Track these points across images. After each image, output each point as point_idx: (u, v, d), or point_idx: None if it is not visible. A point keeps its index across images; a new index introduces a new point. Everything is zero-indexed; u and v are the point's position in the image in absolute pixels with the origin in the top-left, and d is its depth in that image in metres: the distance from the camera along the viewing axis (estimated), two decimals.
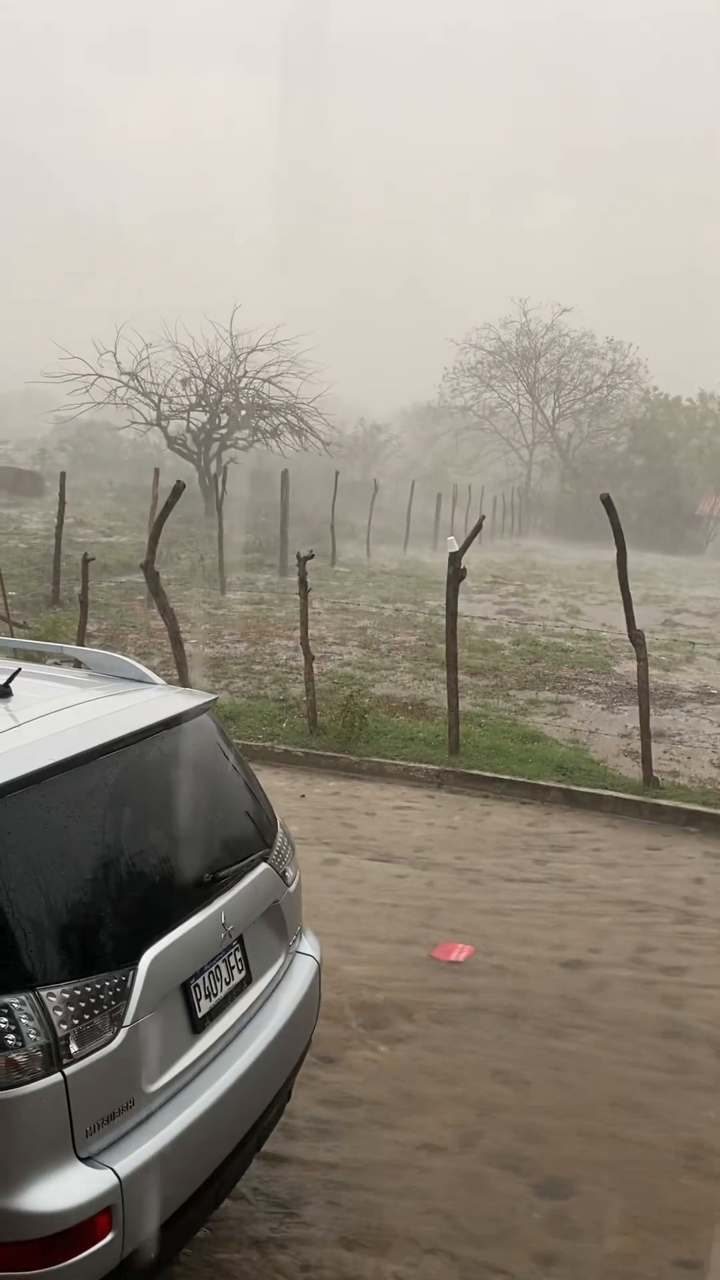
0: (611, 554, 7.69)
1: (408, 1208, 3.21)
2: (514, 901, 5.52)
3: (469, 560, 8.23)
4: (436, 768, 7.69)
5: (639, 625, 7.58)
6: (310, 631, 9.09)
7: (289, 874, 3.15)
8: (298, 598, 9.19)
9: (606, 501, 7.04)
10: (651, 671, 11.24)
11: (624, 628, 7.76)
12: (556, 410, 51.86)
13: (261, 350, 29.71)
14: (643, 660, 7.45)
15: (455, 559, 7.84)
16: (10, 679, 2.73)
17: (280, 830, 3.20)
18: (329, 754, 7.89)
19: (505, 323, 50.66)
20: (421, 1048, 4.09)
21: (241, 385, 30.06)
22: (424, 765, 7.74)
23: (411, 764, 7.77)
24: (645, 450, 47.21)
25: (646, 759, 7.37)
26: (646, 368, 50.55)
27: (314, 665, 8.62)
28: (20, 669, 2.83)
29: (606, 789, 7.28)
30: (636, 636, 7.42)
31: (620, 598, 7.56)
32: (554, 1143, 3.54)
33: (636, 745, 7.93)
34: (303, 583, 8.81)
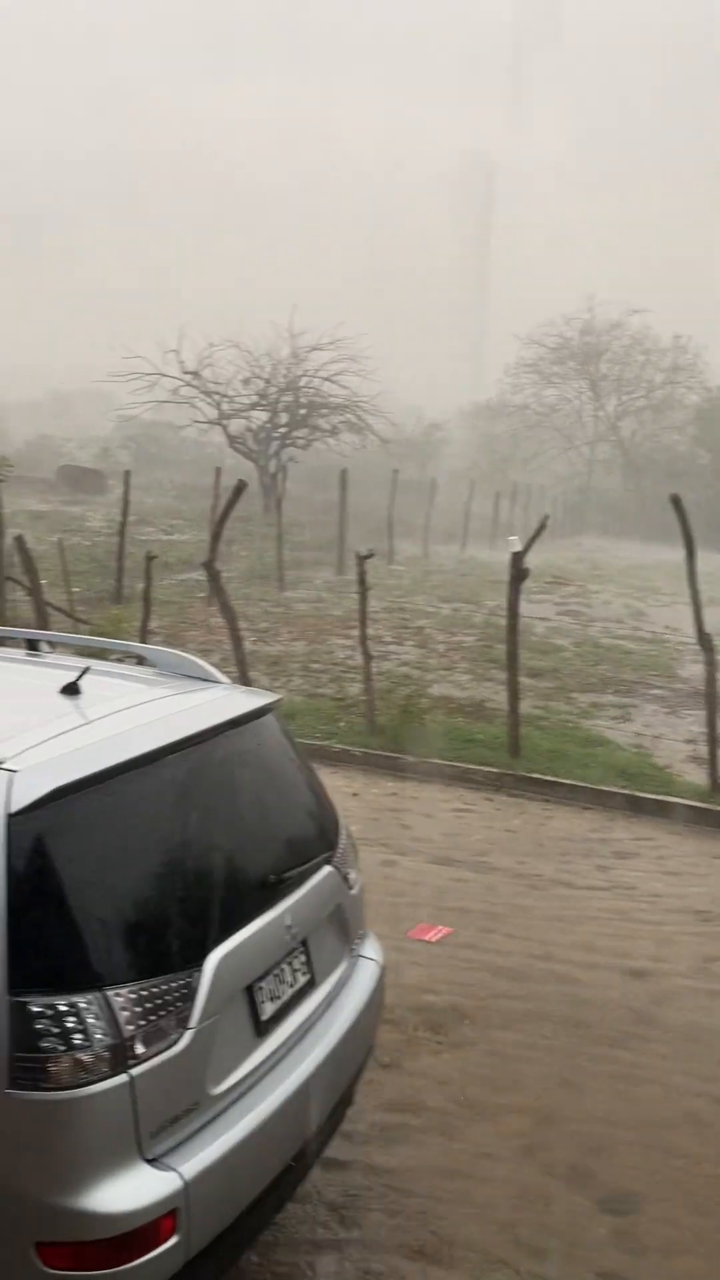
0: (675, 554, 7.55)
1: (467, 1216, 3.16)
2: (575, 908, 5.44)
3: (528, 560, 8.14)
4: (496, 770, 7.61)
5: (707, 628, 7.44)
6: (368, 631, 9.07)
7: (351, 876, 3.12)
8: (355, 596, 9.17)
9: (676, 501, 6.91)
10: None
11: (689, 630, 7.62)
12: (618, 407, 51.23)
13: (321, 349, 29.78)
14: (711, 664, 7.30)
15: (518, 559, 7.76)
16: (80, 677, 2.74)
17: (343, 832, 3.18)
18: (387, 754, 7.86)
19: (569, 319, 50.16)
20: (483, 1053, 4.04)
21: (301, 384, 30.16)
22: (483, 768, 7.67)
23: (471, 766, 7.70)
24: (710, 448, 46.41)
25: (714, 765, 7.22)
26: (708, 363, 49.66)
27: (371, 664, 8.60)
28: (89, 667, 2.84)
29: (671, 795, 7.14)
30: (705, 639, 7.27)
31: (688, 600, 7.42)
32: (619, 1156, 3.47)
33: (703, 751, 7.76)
34: (361, 581, 8.79)
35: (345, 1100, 3.01)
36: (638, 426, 50.44)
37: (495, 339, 53.17)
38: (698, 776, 7.52)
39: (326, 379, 29.92)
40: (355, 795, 7.08)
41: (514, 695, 7.99)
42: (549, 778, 7.48)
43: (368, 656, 8.54)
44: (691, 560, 7.16)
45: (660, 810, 6.97)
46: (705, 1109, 3.77)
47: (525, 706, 9.12)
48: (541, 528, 8.23)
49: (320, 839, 3.03)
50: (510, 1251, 3.03)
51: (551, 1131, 3.58)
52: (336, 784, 7.18)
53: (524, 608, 16.71)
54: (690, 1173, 3.41)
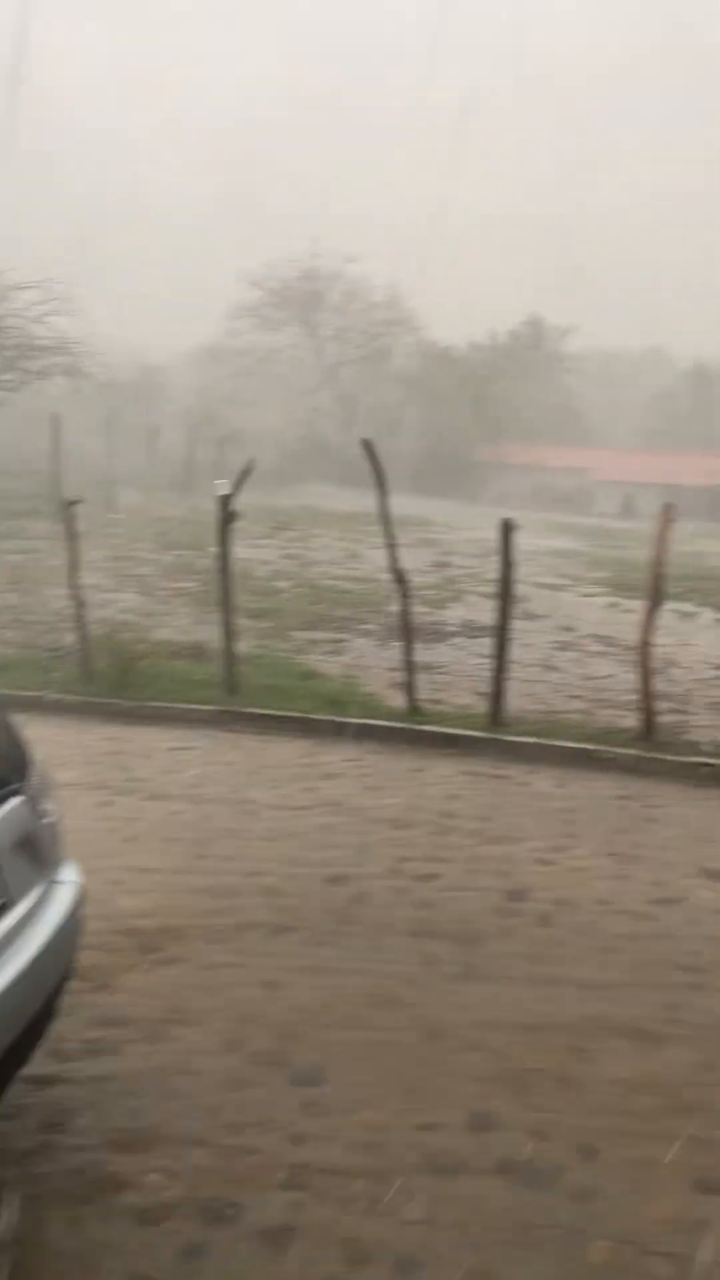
0: (390, 499, 8.04)
1: (174, 1108, 3.42)
2: (284, 828, 5.80)
3: (252, 506, 8.39)
4: (214, 709, 7.86)
5: (413, 567, 7.98)
6: (88, 579, 9.00)
7: (45, 807, 3.24)
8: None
9: (368, 446, 7.33)
10: (421, 609, 11.81)
11: (401, 569, 8.14)
12: (338, 356, 52.26)
13: (24, 288, 28.28)
14: (406, 597, 7.85)
15: (225, 502, 7.95)
16: None
17: (35, 766, 3.28)
18: (105, 700, 7.90)
19: (289, 262, 50.31)
20: (192, 967, 4.30)
21: (6, 324, 28.57)
22: (202, 707, 7.89)
23: (190, 706, 7.90)
24: (420, 400, 48.46)
25: (411, 688, 7.81)
26: (424, 315, 51.63)
27: (87, 612, 8.56)
28: None
29: (375, 719, 7.67)
30: (399, 574, 7.80)
31: (397, 541, 7.90)
32: (312, 1038, 3.83)
33: (404, 677, 8.36)
34: (70, 529, 8.69)
35: (46, 1014, 3.15)
36: (356, 376, 51.71)
37: (221, 281, 52.48)
38: (399, 700, 8.10)
39: (33, 320, 28.53)
40: (71, 744, 7.09)
41: (229, 635, 8.23)
42: (265, 711, 7.81)
43: (80, 604, 8.48)
44: (384, 501, 7.63)
45: (365, 733, 7.48)
46: (393, 987, 4.21)
47: (245, 646, 9.40)
48: (247, 471, 8.45)
49: (10, 773, 3.12)
50: (211, 1131, 3.32)
51: (252, 1026, 3.90)
52: (50, 734, 7.12)
53: (247, 552, 17.00)
54: (374, 1043, 3.83)
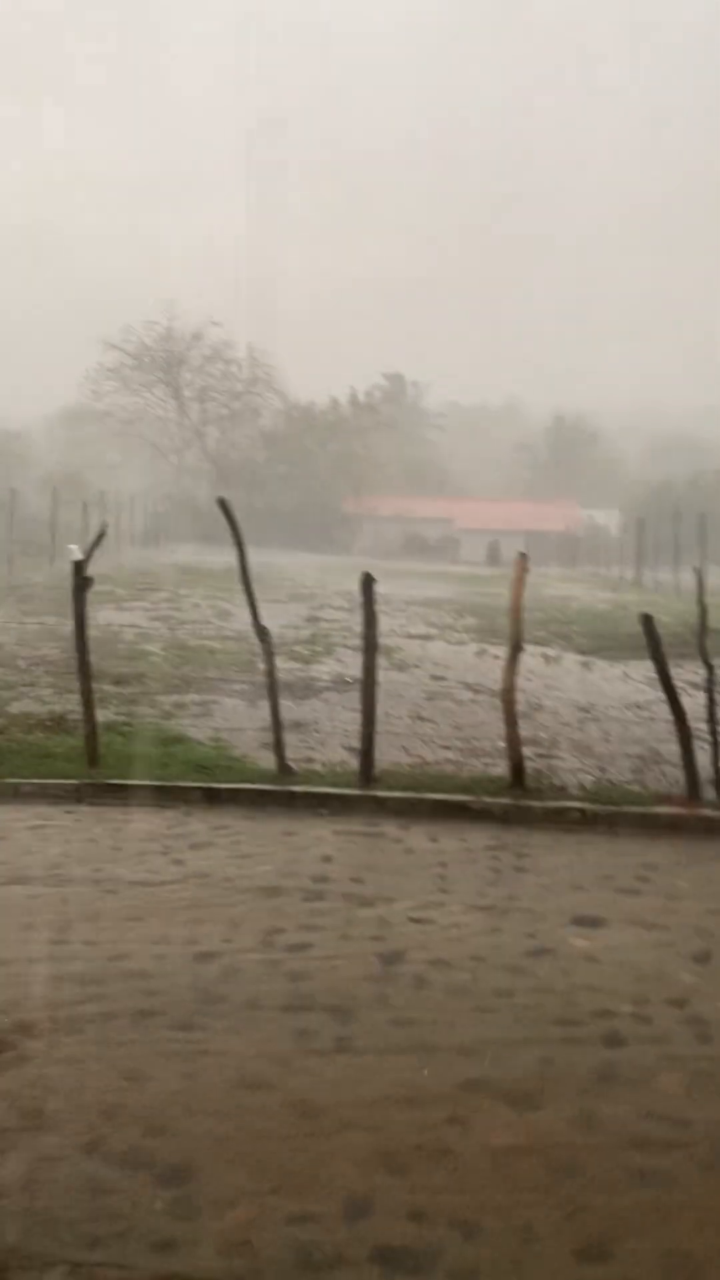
0: (262, 557, 7.96)
1: (27, 1225, 3.15)
2: (150, 904, 5.55)
3: (119, 568, 8.17)
4: (75, 782, 7.55)
5: (284, 621, 7.90)
6: None
7: None
8: None
9: (223, 504, 7.25)
10: (292, 664, 11.75)
11: (274, 627, 8.04)
12: (203, 416, 52.38)
13: None
14: (270, 654, 7.75)
15: (79, 567, 7.73)
16: None
17: None
18: None
19: (147, 324, 50.37)
20: (48, 1063, 4.02)
21: None
22: (62, 781, 7.56)
23: (49, 781, 7.57)
24: (285, 457, 48.93)
25: (279, 748, 7.68)
26: (283, 375, 52.32)
27: None
28: None
29: (245, 782, 7.50)
30: (262, 631, 7.70)
31: (270, 598, 7.82)
32: (177, 1131, 3.61)
33: (272, 737, 8.22)
34: None
35: None
36: (221, 435, 51.92)
37: (78, 344, 52.12)
38: (270, 762, 7.95)
39: None
40: None
41: (89, 704, 7.95)
42: (129, 782, 7.54)
43: None
44: (243, 558, 7.55)
45: (234, 798, 7.29)
46: (263, 1068, 4.02)
47: (109, 714, 9.13)
48: (101, 536, 8.25)
49: None
50: (68, 1248, 3.07)
51: (114, 1124, 3.65)
52: None
53: (114, 616, 16.66)
54: (244, 1130, 3.64)
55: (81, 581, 7.74)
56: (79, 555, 7.76)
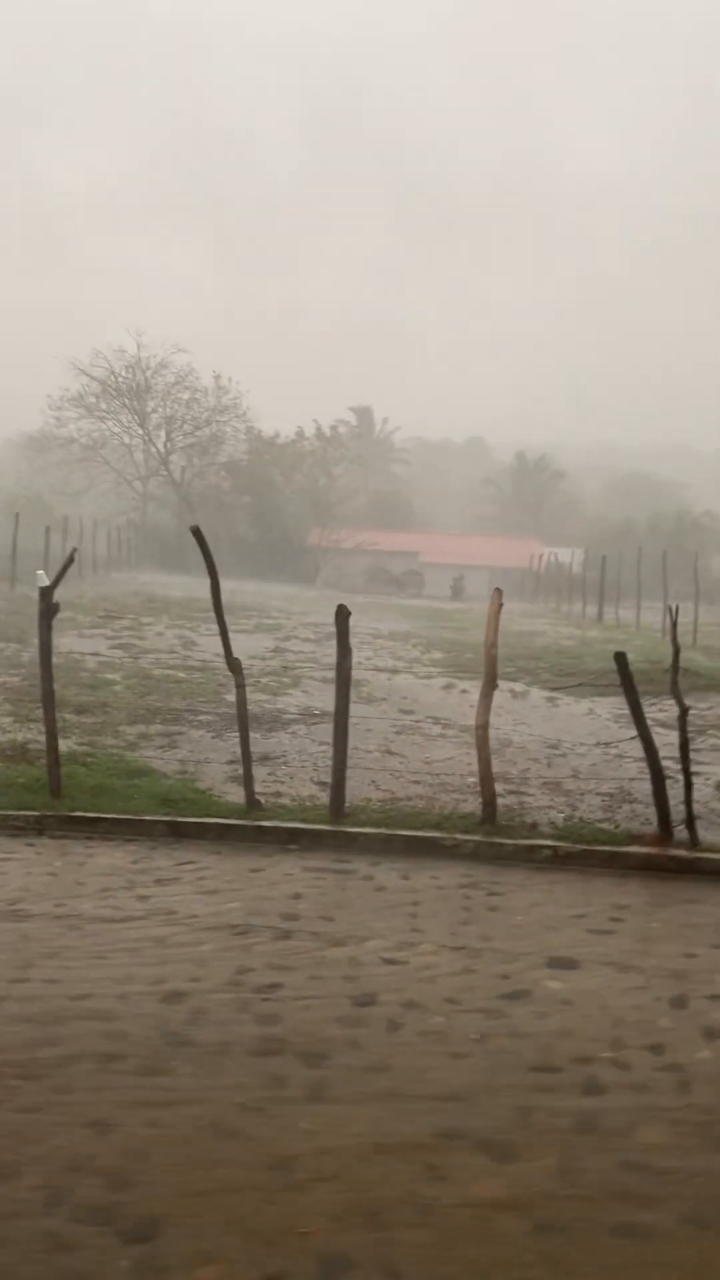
0: (225, 584, 7.86)
1: None
2: (114, 942, 5.39)
3: (82, 595, 8.03)
4: (36, 813, 7.36)
5: (251, 653, 7.79)
6: None
7: None
8: None
9: (196, 533, 7.16)
10: (260, 696, 11.62)
11: (241, 658, 7.92)
12: (168, 445, 52.31)
13: None
14: (241, 686, 7.63)
15: (47, 594, 7.58)
16: None
17: None
18: None
19: (117, 352, 50.35)
20: (8, 1111, 3.86)
21: None
22: (23, 812, 7.37)
23: (9, 812, 7.37)
24: (250, 487, 48.96)
25: (249, 782, 7.55)
26: (249, 406, 52.47)
27: None
28: None
29: (211, 816, 7.35)
30: (234, 664, 7.60)
31: (235, 628, 7.71)
32: (145, 1184, 3.46)
33: (242, 770, 8.09)
34: None
35: None
36: (187, 463, 51.86)
37: (43, 371, 51.96)
38: (237, 795, 7.82)
39: None
40: None
41: (52, 734, 7.78)
42: (92, 814, 7.37)
43: None
44: (216, 590, 7.45)
45: (200, 832, 7.14)
46: (234, 1117, 3.89)
47: (71, 744, 8.95)
48: (70, 561, 8.12)
49: None
50: None
51: (77, 1176, 3.49)
52: None
53: (76, 643, 16.46)
54: (215, 1182, 3.50)
55: (48, 608, 7.59)
56: (46, 581, 7.62)
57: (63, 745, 8.14)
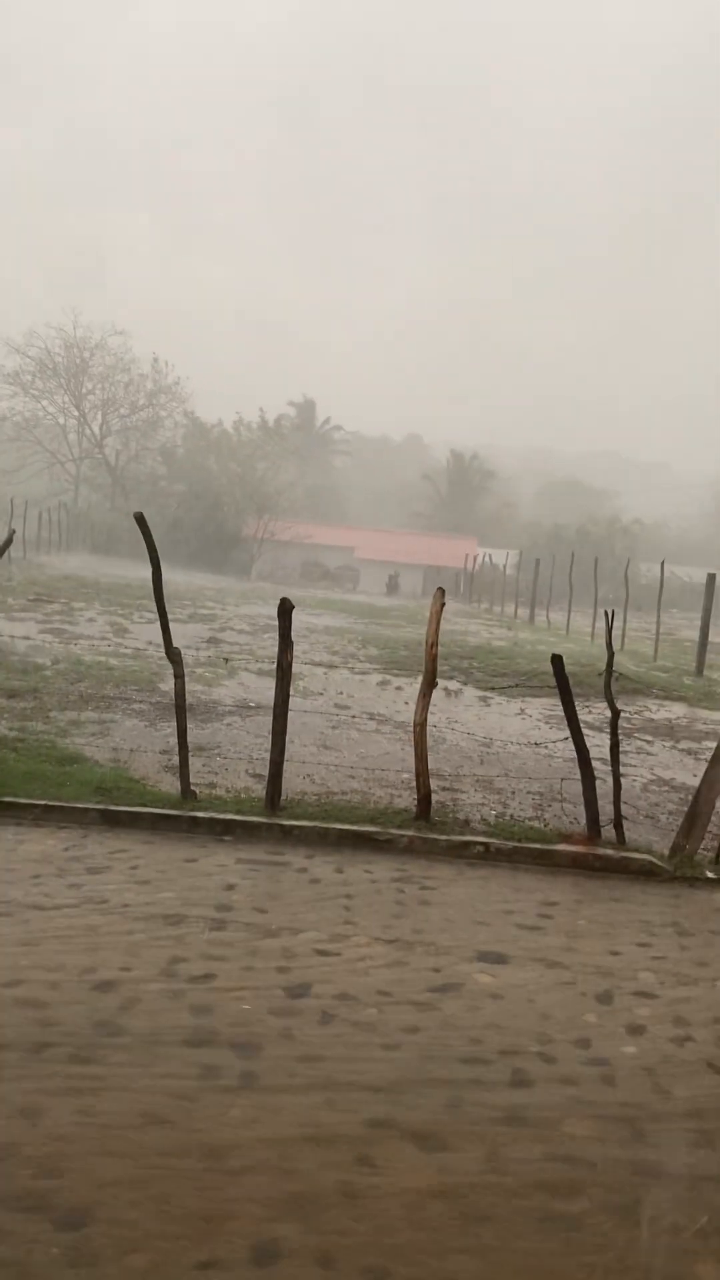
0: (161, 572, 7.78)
1: None
2: (45, 930, 5.33)
3: (11, 577, 7.91)
4: None
5: (185, 642, 7.73)
6: None
7: None
8: None
9: (140, 520, 7.09)
10: (195, 687, 11.55)
11: (176, 648, 7.85)
12: (104, 427, 51.56)
13: None
14: (179, 676, 7.59)
15: None
16: None
17: None
18: None
19: (56, 329, 49.47)
20: None
21: None
22: None
23: None
24: (186, 475, 48.48)
25: (184, 773, 7.51)
26: (188, 391, 51.97)
27: None
28: None
29: (145, 806, 7.30)
30: (174, 653, 7.54)
31: (168, 616, 7.64)
32: (75, 1172, 3.45)
33: (176, 760, 8.05)
34: None
35: None
36: (123, 446, 51.17)
37: None
38: (171, 785, 7.77)
39: None
40: None
41: None
42: (23, 800, 7.26)
43: None
44: (157, 578, 7.39)
45: (134, 821, 7.09)
46: (166, 1105, 3.88)
47: (1, 729, 8.80)
48: (8, 542, 7.98)
49: None
50: None
51: (7, 1165, 3.46)
52: None
53: (6, 626, 16.15)
54: (147, 1171, 3.49)
55: None
56: None
57: None
